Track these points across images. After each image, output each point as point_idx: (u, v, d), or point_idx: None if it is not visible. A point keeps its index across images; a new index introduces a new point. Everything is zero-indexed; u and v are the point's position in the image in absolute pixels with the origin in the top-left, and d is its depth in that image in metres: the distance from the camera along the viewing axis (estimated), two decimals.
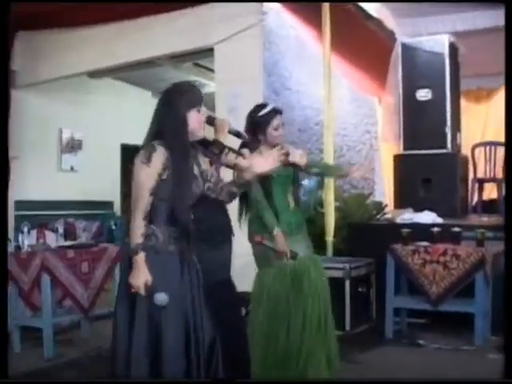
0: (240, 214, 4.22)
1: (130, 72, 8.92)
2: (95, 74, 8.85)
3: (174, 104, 3.08)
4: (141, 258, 2.93)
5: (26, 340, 5.66)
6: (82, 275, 5.64)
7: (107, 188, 10.07)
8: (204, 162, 3.26)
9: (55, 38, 7.68)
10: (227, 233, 3.76)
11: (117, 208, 10.39)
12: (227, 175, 3.62)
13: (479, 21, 7.49)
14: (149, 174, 2.95)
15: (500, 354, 5.02)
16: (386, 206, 8.06)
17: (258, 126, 4.16)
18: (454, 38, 7.54)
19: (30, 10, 6.54)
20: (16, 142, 7.07)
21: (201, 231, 3.44)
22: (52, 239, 5.89)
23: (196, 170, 3.16)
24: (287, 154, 3.99)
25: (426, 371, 4.70)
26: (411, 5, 7.65)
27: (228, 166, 3.55)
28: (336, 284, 5.35)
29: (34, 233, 5.83)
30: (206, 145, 3.47)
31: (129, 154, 9.96)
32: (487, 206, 8.20)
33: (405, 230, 5.73)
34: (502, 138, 8.38)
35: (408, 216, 6.61)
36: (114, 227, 8.65)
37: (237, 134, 3.71)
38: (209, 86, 8.90)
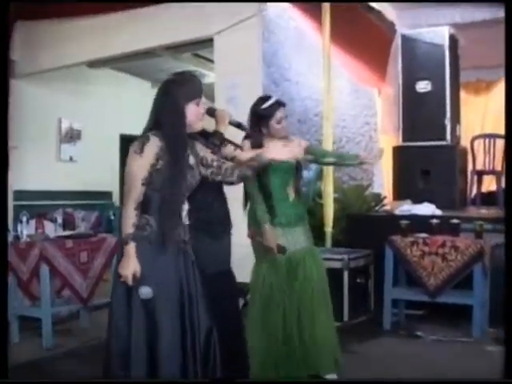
0: (245, 204, 4.24)
1: (129, 62, 8.91)
2: (94, 64, 8.83)
3: (173, 95, 3.07)
4: (131, 247, 2.93)
5: (25, 330, 5.66)
6: (81, 265, 5.64)
7: (106, 178, 10.07)
8: (202, 150, 3.25)
9: (54, 28, 7.66)
10: (226, 224, 3.77)
11: (116, 198, 10.38)
12: None
13: (479, 13, 7.48)
14: (141, 164, 2.96)
15: (498, 346, 5.05)
16: (384, 197, 8.08)
17: (261, 118, 4.15)
18: (454, 30, 7.52)
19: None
20: (15, 131, 7.06)
21: (200, 220, 3.46)
22: (51, 229, 5.89)
23: (192, 161, 3.14)
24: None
25: (424, 363, 4.72)
26: None
27: (226, 159, 3.55)
28: (334, 275, 5.36)
29: (32, 223, 5.83)
30: (206, 136, 3.47)
31: (128, 144, 9.93)
32: (486, 198, 8.21)
33: (403, 222, 5.73)
34: (501, 130, 8.38)
35: (407, 207, 6.62)
36: (112, 217, 8.64)
37: (238, 125, 3.71)
38: (208, 77, 8.89)
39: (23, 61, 7.99)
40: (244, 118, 4.12)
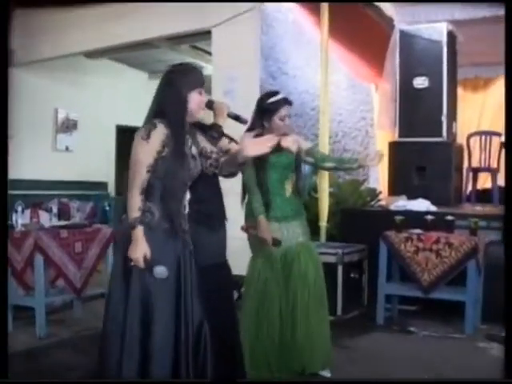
0: (243, 197, 4.24)
1: (127, 53, 8.89)
2: (92, 55, 8.82)
3: (176, 84, 3.09)
4: (139, 231, 2.95)
5: (18, 319, 5.66)
6: (75, 255, 5.64)
7: (102, 169, 10.08)
8: (202, 141, 3.27)
9: (52, 17, 7.63)
10: (223, 216, 3.78)
11: (111, 189, 10.40)
12: None
13: (479, 10, 7.47)
14: (147, 150, 2.97)
15: (489, 342, 5.08)
16: (380, 192, 8.09)
17: (264, 112, 4.14)
18: (453, 27, 7.52)
19: None
20: (11, 121, 7.04)
21: (199, 212, 3.47)
22: (46, 219, 5.88)
23: (194, 150, 3.17)
24: (283, 141, 4.00)
25: (416, 358, 4.73)
26: None
27: (221, 151, 3.55)
28: (328, 269, 5.35)
29: (27, 212, 5.81)
30: (203, 128, 3.48)
31: (124, 135, 9.97)
32: (481, 196, 8.23)
33: (398, 217, 5.74)
34: (497, 128, 8.45)
35: (402, 203, 6.62)
36: (107, 208, 8.65)
37: (236, 118, 3.71)
38: (206, 69, 8.87)
39: (21, 50, 7.95)
40: (241, 110, 4.08)
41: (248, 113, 4.04)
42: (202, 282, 3.17)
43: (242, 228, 4.20)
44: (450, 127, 7.52)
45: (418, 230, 5.65)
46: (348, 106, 9.37)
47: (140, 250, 2.94)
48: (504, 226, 3.74)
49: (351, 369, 4.43)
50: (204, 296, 3.15)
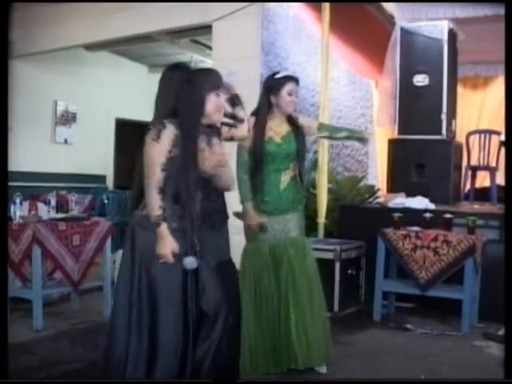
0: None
1: (126, 46, 8.89)
2: (92, 47, 8.81)
3: (196, 85, 3.13)
4: (164, 228, 3.02)
5: (15, 311, 5.66)
6: (73, 248, 5.63)
7: (100, 162, 10.08)
8: (216, 144, 3.30)
9: (53, 8, 7.63)
10: (225, 215, 3.78)
11: (109, 182, 10.40)
12: None
13: (480, 8, 7.46)
14: (159, 150, 3.02)
15: (486, 341, 5.08)
16: (378, 189, 8.09)
17: (271, 88, 4.16)
18: (454, 25, 7.51)
19: None
20: (10, 112, 7.03)
21: (204, 211, 3.47)
22: (44, 211, 5.87)
23: (207, 151, 3.19)
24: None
25: (412, 355, 4.73)
26: None
27: (226, 139, 3.56)
28: (326, 266, 5.37)
29: (26, 204, 5.80)
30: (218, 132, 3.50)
31: (123, 128, 9.96)
32: (479, 194, 8.23)
33: (396, 215, 5.74)
34: (497, 126, 8.46)
35: (400, 201, 6.62)
36: (106, 201, 8.64)
37: (232, 117, 3.72)
38: (205, 63, 8.87)
39: (20, 41, 7.93)
40: None
41: (248, 107, 4.03)
42: (209, 279, 3.20)
43: (233, 214, 4.18)
44: (449, 125, 7.51)
45: (416, 228, 5.64)
46: (348, 102, 9.38)
47: (168, 245, 3.02)
48: (505, 226, 3.73)
49: (347, 364, 4.43)
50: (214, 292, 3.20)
